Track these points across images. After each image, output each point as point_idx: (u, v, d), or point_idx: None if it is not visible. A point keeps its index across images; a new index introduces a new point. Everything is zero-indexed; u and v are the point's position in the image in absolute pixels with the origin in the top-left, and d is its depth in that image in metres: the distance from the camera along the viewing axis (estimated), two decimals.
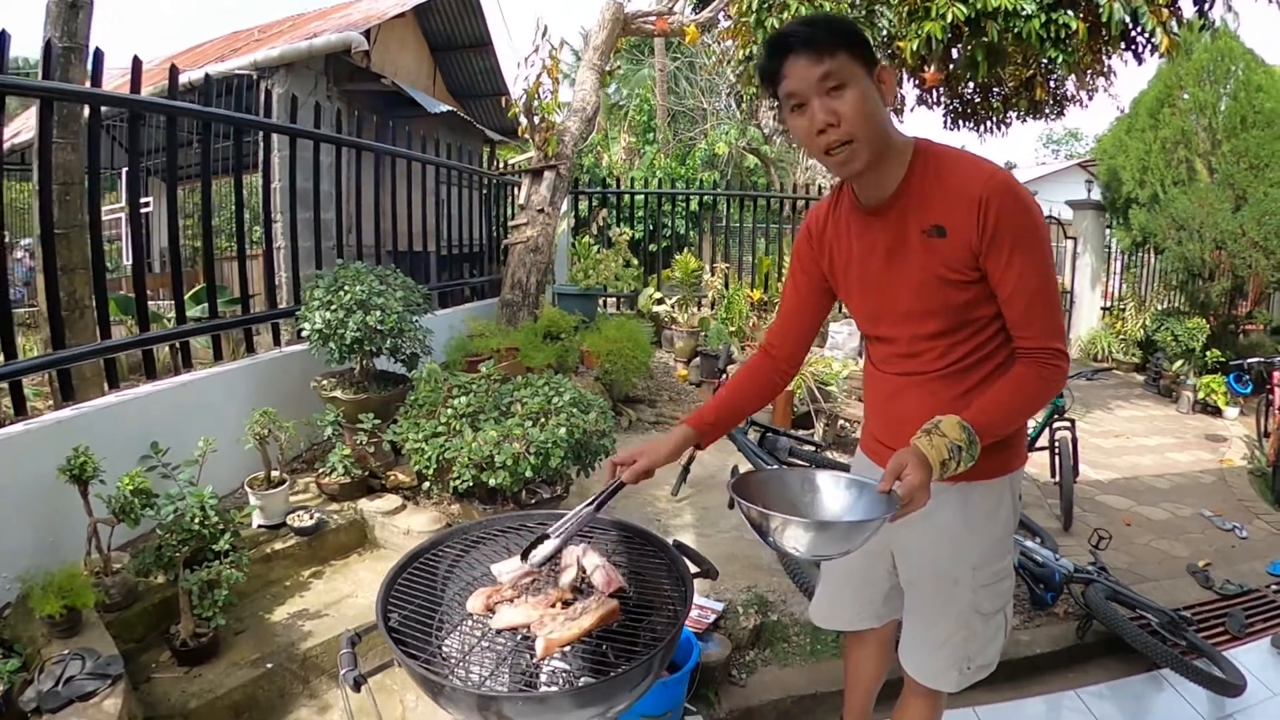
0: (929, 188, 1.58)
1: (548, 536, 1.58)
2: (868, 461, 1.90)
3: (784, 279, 2.07)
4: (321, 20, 10.54)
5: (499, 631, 1.48)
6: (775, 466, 1.72)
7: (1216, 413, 8.22)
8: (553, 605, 1.49)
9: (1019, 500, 1.80)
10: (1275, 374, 6.42)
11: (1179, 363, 8.98)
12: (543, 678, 1.44)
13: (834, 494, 1.56)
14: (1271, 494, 5.52)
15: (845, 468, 4.61)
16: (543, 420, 3.25)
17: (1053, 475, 4.83)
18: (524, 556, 1.55)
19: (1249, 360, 6.82)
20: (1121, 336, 10.75)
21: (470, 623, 1.54)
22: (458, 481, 3.11)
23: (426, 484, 3.38)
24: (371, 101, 8.81)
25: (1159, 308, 10.81)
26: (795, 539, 1.37)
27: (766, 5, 5.44)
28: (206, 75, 4.12)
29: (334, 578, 3.35)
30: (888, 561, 1.88)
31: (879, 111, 1.52)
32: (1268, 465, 5.83)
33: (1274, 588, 3.97)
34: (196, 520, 2.71)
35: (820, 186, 11.26)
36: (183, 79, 3.86)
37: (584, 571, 1.57)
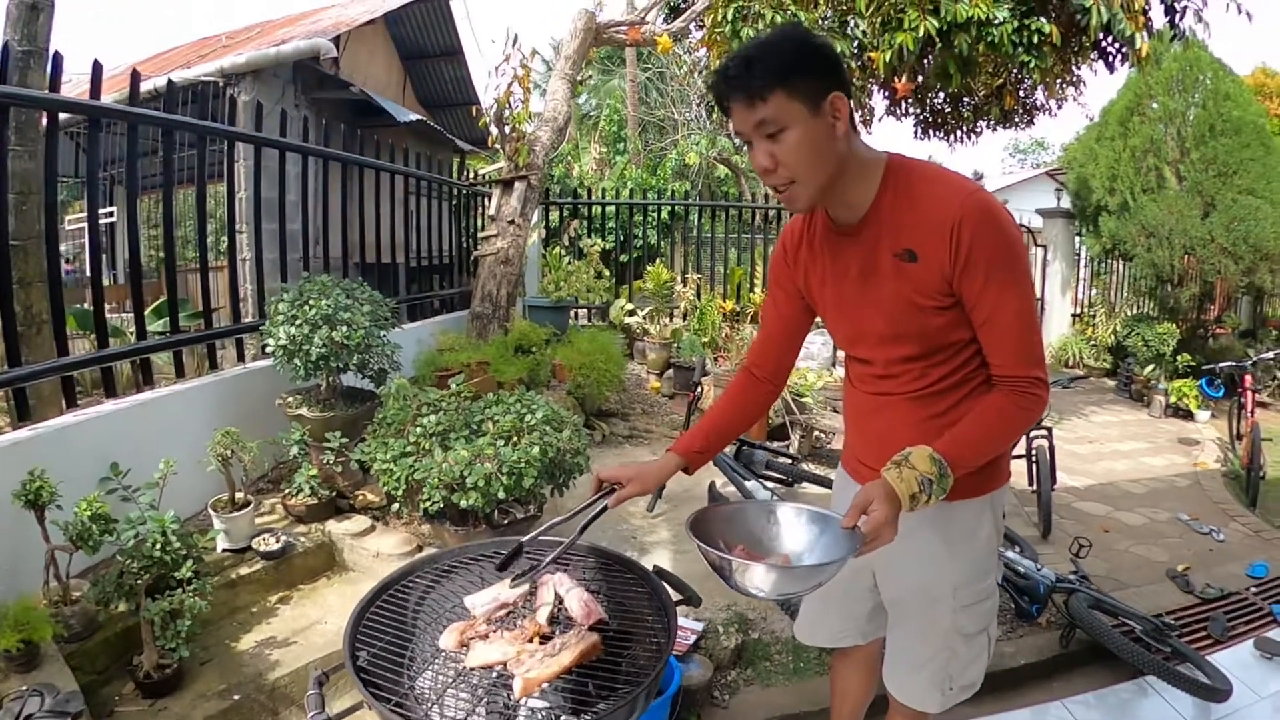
0: (901, 209, 1.52)
1: (521, 549, 1.54)
2: (848, 479, 1.87)
3: (763, 294, 2.02)
4: (291, 27, 10.38)
5: (474, 669, 1.40)
6: (735, 503, 1.65)
7: (1188, 416, 8.31)
8: (530, 640, 1.42)
9: (1002, 518, 1.76)
10: (1246, 378, 6.47)
11: (1150, 367, 9.08)
12: (521, 717, 1.36)
13: (796, 529, 1.52)
14: (1246, 496, 5.56)
15: (823, 479, 4.60)
16: (515, 439, 3.17)
17: (1030, 484, 4.81)
18: (500, 568, 1.48)
19: (1220, 365, 6.88)
20: (1092, 342, 10.88)
21: (443, 660, 1.45)
22: (428, 503, 3.01)
23: (396, 505, 3.27)
24: (340, 110, 8.69)
25: (1129, 313, 10.95)
26: (756, 581, 1.34)
27: (741, 15, 5.40)
28: (169, 81, 4.01)
29: (302, 603, 3.25)
30: (869, 579, 1.84)
31: (823, 150, 1.45)
32: (1241, 468, 5.88)
33: (1254, 590, 3.98)
34: (158, 546, 2.62)
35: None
36: (147, 85, 3.75)
37: (561, 602, 1.49)
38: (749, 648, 3.08)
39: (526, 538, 1.54)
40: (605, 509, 1.63)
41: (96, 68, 3.53)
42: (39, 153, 3.86)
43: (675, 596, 1.57)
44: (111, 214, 9.07)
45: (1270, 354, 7.48)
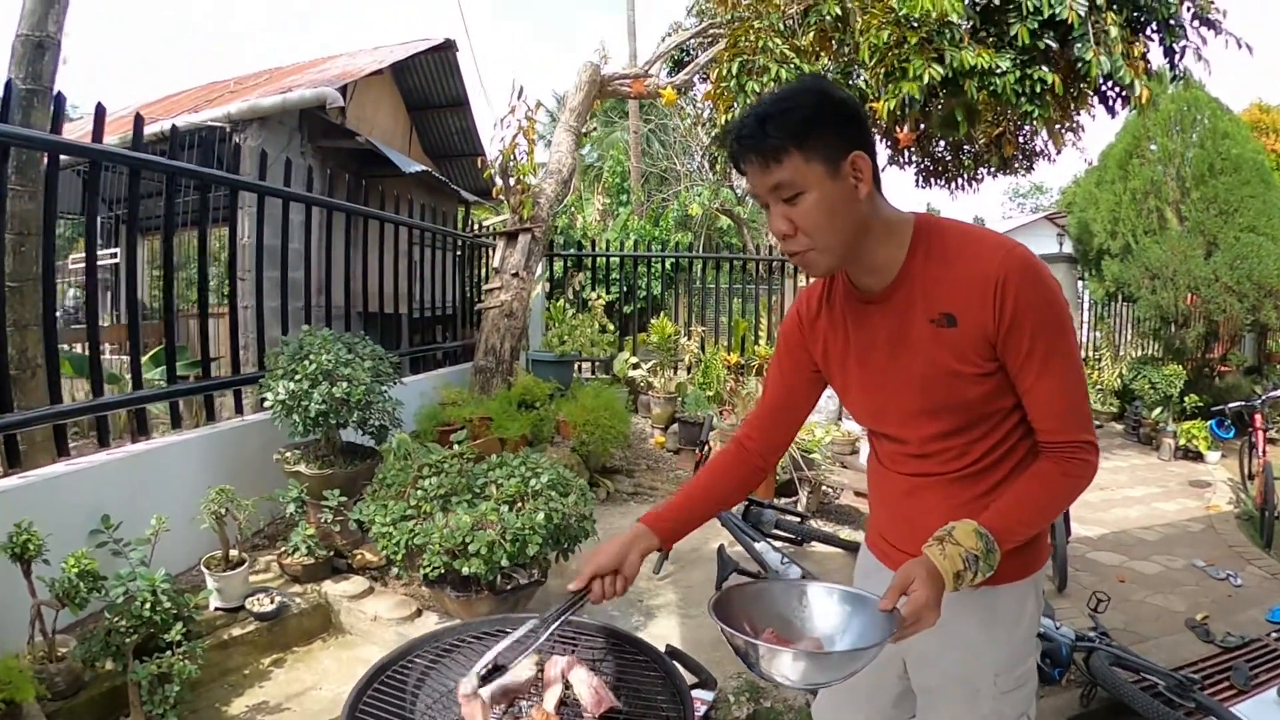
0: (935, 270, 1.41)
1: (501, 670, 1.38)
2: (874, 561, 1.73)
3: (768, 347, 1.89)
4: (299, 74, 10.49)
5: None
6: (760, 581, 1.54)
7: (1198, 458, 8.23)
8: None
9: (1042, 597, 1.64)
10: (1256, 417, 6.40)
11: (1158, 410, 9.01)
12: None
13: (827, 610, 1.40)
14: (1261, 538, 5.47)
15: (832, 537, 4.51)
16: (519, 504, 3.09)
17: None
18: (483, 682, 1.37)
19: (1230, 405, 6.82)
20: (1098, 387, 10.81)
21: None
22: (428, 569, 2.93)
23: (395, 569, 3.19)
24: (346, 159, 8.74)
25: (1134, 356, 10.90)
26: (784, 669, 1.24)
27: (746, 70, 5.44)
28: (173, 126, 4.01)
29: (296, 666, 3.16)
30: (898, 667, 1.71)
31: (843, 214, 1.36)
32: (1255, 508, 5.81)
33: (1275, 635, 3.88)
34: (147, 606, 2.56)
35: None
36: (153, 129, 3.75)
37: (570, 689, 1.41)
38: (761, 717, 2.97)
39: (503, 645, 1.37)
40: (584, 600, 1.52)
41: (99, 110, 3.55)
42: (39, 193, 3.84)
43: (690, 679, 1.48)
44: (115, 254, 9.06)
45: (1279, 391, 7.43)
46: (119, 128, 5.84)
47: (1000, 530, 1.34)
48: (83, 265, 3.57)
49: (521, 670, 1.46)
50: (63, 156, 3.41)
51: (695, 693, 2.75)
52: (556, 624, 1.40)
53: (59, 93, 3.38)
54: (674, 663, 1.50)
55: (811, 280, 1.64)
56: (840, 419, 7.31)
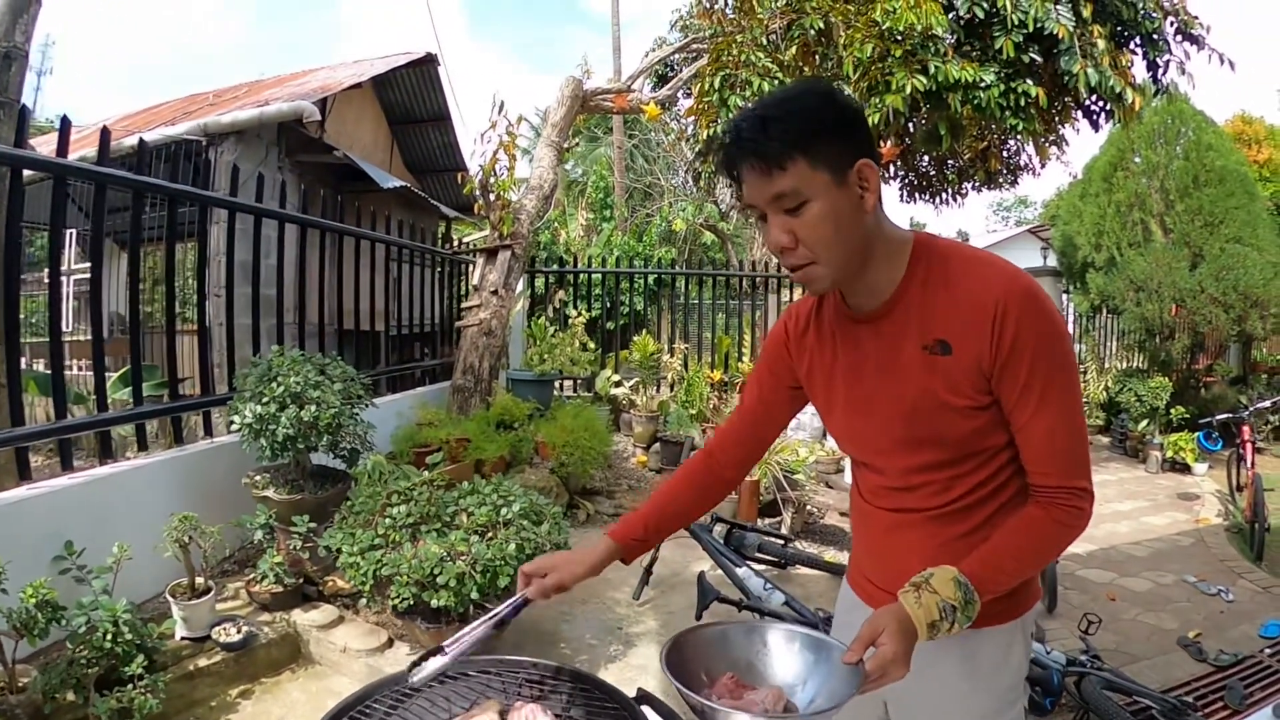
0: (932, 294, 1.32)
1: (441, 651, 1.38)
2: (854, 598, 1.64)
3: (752, 364, 1.79)
4: (279, 88, 10.40)
5: None
6: (718, 624, 1.44)
7: (1185, 470, 8.24)
8: None
9: (1030, 639, 1.54)
10: (1244, 428, 6.39)
11: (1144, 422, 9.00)
12: None
13: (788, 657, 1.32)
14: (1251, 551, 5.47)
15: (818, 560, 4.41)
16: (491, 534, 2.99)
17: None
18: (410, 670, 1.32)
19: (1217, 416, 6.80)
20: (1084, 400, 10.79)
21: None
22: (397, 600, 2.82)
23: (364, 600, 3.08)
24: (325, 174, 8.65)
25: (1120, 368, 10.91)
26: None
27: (729, 83, 5.38)
28: (140, 140, 3.91)
29: (264, 698, 3.05)
30: (879, 708, 1.63)
31: (849, 226, 1.26)
32: (1245, 521, 5.79)
33: (1268, 651, 3.85)
34: (109, 636, 2.49)
35: (780, 265, 11.28)
36: (133, 141, 3.65)
37: None
38: None
39: (449, 644, 1.38)
40: (526, 602, 1.48)
41: (64, 123, 3.45)
42: (1, 208, 3.74)
43: None
44: (85, 269, 8.94)
45: (1267, 402, 7.42)
46: (95, 141, 5.72)
47: (982, 579, 1.26)
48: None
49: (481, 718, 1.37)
50: (28, 171, 3.31)
51: None
52: (508, 616, 1.43)
53: (24, 106, 3.29)
54: (644, 709, 1.40)
55: (804, 294, 1.54)
56: (824, 437, 7.24)
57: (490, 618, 1.43)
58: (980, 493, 1.37)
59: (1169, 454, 8.34)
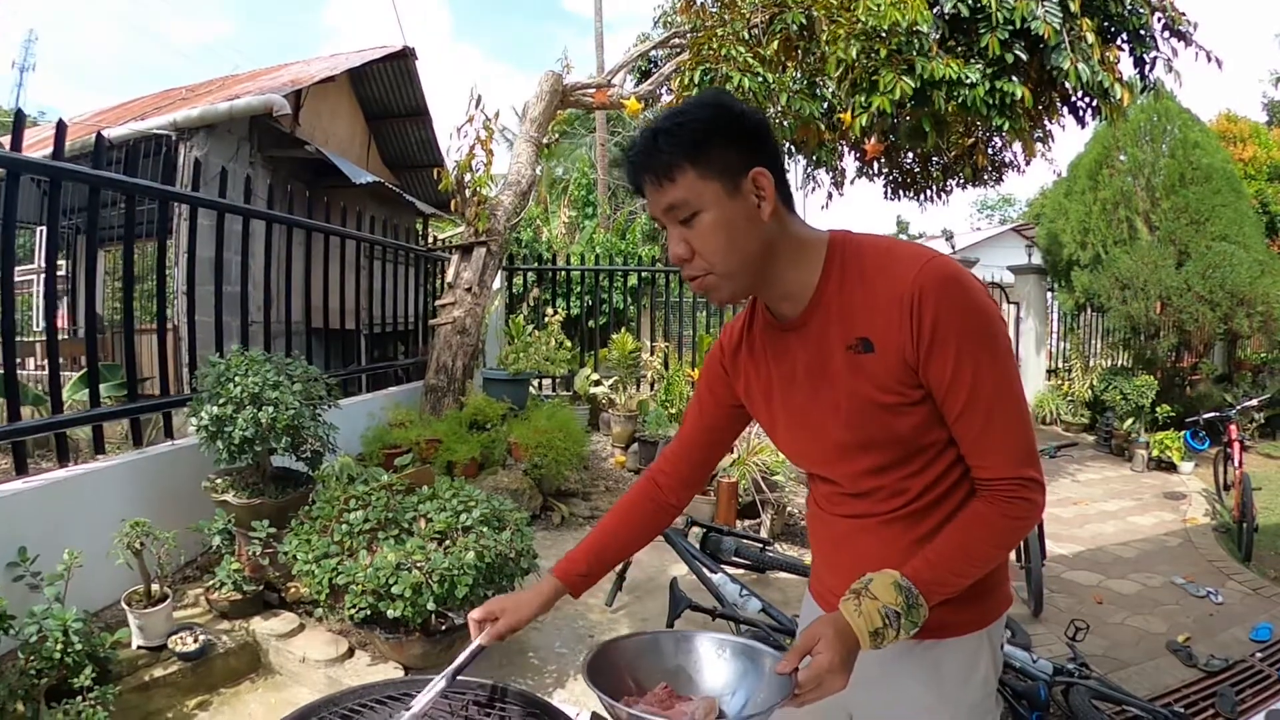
0: (849, 292, 1.28)
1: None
2: (816, 609, 1.56)
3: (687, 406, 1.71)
4: (251, 81, 10.24)
5: None
6: (644, 633, 1.39)
7: (1171, 469, 8.23)
8: None
9: (1000, 649, 1.46)
10: (1231, 427, 6.34)
11: (1130, 421, 8.98)
12: None
13: (718, 665, 1.28)
14: (1240, 551, 5.44)
15: (797, 564, 4.29)
16: (449, 541, 2.87)
17: (1019, 559, 4.56)
18: None
19: (1204, 415, 6.76)
20: (1069, 398, 10.78)
21: None
22: (352, 611, 2.70)
23: (320, 610, 2.96)
24: (299, 169, 8.51)
25: (1105, 367, 10.90)
26: None
27: (709, 78, 5.29)
28: (98, 135, 3.78)
29: (222, 710, 2.95)
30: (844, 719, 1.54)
31: (744, 235, 1.24)
32: (1233, 521, 5.76)
33: (1259, 655, 3.83)
34: (59, 646, 2.41)
35: None
36: (114, 133, 3.54)
37: None
38: None
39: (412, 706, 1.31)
40: (482, 648, 1.42)
41: (19, 116, 3.38)
42: None
43: None
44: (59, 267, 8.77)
45: (1254, 400, 7.39)
46: (76, 133, 5.58)
47: (926, 582, 1.20)
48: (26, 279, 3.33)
49: None
50: None
51: None
52: (466, 663, 1.38)
53: (19, 110, 3.19)
54: None
55: (736, 313, 1.51)
56: None
57: (449, 673, 1.37)
58: (935, 491, 1.31)
59: (1155, 453, 8.33)
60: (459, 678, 1.41)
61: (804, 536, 5.37)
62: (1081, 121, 5.73)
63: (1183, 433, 8.00)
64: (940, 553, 1.23)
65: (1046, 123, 5.89)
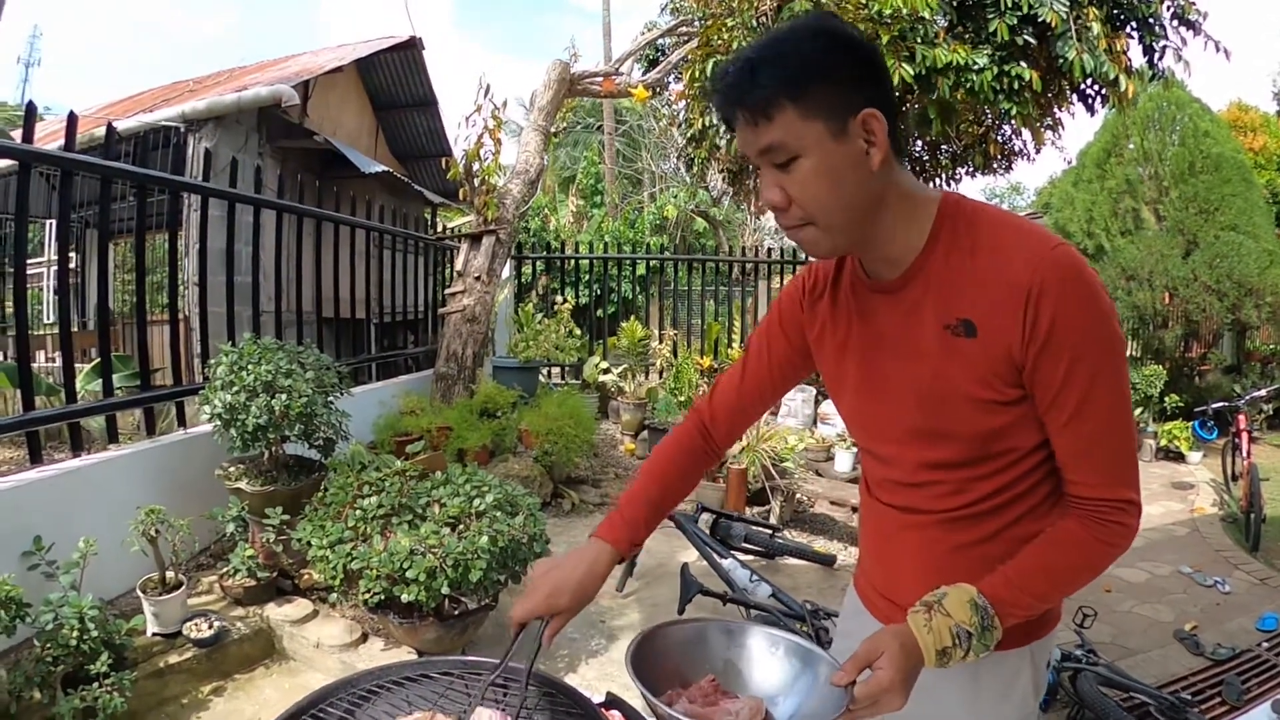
0: (957, 265, 1.13)
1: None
2: (859, 606, 1.46)
3: (741, 351, 1.55)
4: (259, 73, 10.24)
5: None
6: (694, 621, 1.27)
7: (1180, 458, 8.20)
8: None
9: (1045, 670, 1.34)
10: (1240, 417, 6.32)
11: (1138, 410, 8.94)
12: None
13: (771, 664, 1.19)
14: (1247, 541, 5.42)
15: (806, 550, 4.32)
16: (463, 526, 2.89)
17: None
18: None
19: (1212, 405, 6.74)
20: None
21: None
22: (367, 595, 2.73)
23: (334, 595, 2.99)
24: (308, 159, 8.51)
25: None
26: None
27: (705, 93, 5.29)
28: (109, 125, 3.81)
29: (236, 695, 2.99)
30: None
31: (849, 184, 1.09)
32: (1240, 511, 5.74)
33: (1265, 645, 3.81)
34: (75, 634, 2.44)
35: (770, 249, 11.16)
36: (124, 125, 3.58)
37: None
38: None
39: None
40: (539, 648, 1.28)
41: (29, 109, 3.39)
42: None
43: None
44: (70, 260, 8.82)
45: (1263, 391, 7.37)
46: (85, 126, 5.61)
47: (1005, 602, 1.10)
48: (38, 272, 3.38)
49: None
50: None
51: None
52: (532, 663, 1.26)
53: (30, 102, 3.22)
54: (610, 716, 1.31)
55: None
56: (815, 425, 7.16)
57: (502, 663, 1.30)
58: (998, 499, 1.20)
59: (1163, 442, 8.30)
60: (476, 659, 1.42)
61: (813, 523, 5.39)
62: (1091, 109, 5.69)
63: (1191, 423, 7.98)
64: (1022, 571, 1.12)
65: (1056, 110, 5.84)
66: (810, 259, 1.35)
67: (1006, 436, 1.15)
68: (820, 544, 4.93)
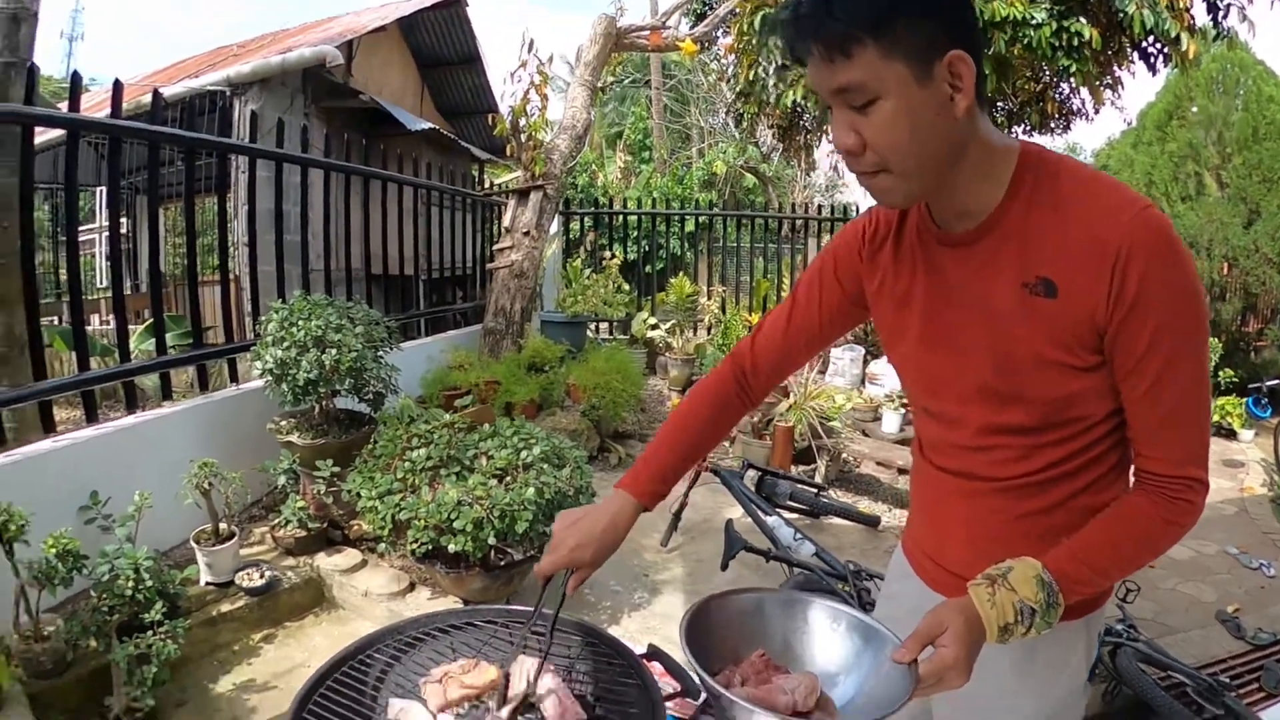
0: (1038, 221, 1.08)
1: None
2: (907, 569, 1.42)
3: (801, 278, 1.42)
4: (302, 35, 10.28)
5: None
6: (749, 592, 1.21)
7: (1231, 435, 7.97)
8: None
9: (1097, 643, 1.31)
10: None
11: None
12: None
13: (831, 640, 1.15)
14: None
15: (852, 511, 4.31)
16: (509, 478, 2.94)
17: None
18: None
19: (1268, 382, 6.53)
20: None
21: None
22: (414, 545, 2.80)
23: (382, 545, 3.06)
24: (353, 119, 8.55)
25: None
26: None
27: (768, 25, 5.17)
28: (155, 91, 3.86)
29: (287, 642, 3.09)
30: (924, 700, 1.38)
31: (930, 131, 1.01)
32: None
33: None
34: (130, 584, 2.50)
35: (820, 206, 10.99)
36: (171, 91, 3.64)
37: (535, 696, 1.25)
38: None
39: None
40: (564, 598, 1.29)
41: (75, 78, 3.43)
42: (17, 168, 3.75)
43: (670, 688, 1.32)
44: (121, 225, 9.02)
45: None
46: (131, 94, 5.70)
47: (1069, 577, 1.06)
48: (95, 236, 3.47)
49: (480, 673, 1.31)
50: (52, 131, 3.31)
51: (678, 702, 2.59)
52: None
53: (32, 64, 3.27)
54: (651, 667, 1.34)
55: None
56: (863, 385, 7.10)
57: (536, 612, 1.32)
58: (1063, 468, 1.16)
59: (1215, 418, 8.07)
60: (520, 608, 1.45)
61: (858, 483, 5.39)
62: (1153, 69, 5.50)
63: (1244, 399, 7.75)
64: (1088, 546, 1.09)
65: (1115, 69, 5.65)
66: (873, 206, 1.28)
67: (1079, 403, 1.11)
68: (865, 505, 4.93)
